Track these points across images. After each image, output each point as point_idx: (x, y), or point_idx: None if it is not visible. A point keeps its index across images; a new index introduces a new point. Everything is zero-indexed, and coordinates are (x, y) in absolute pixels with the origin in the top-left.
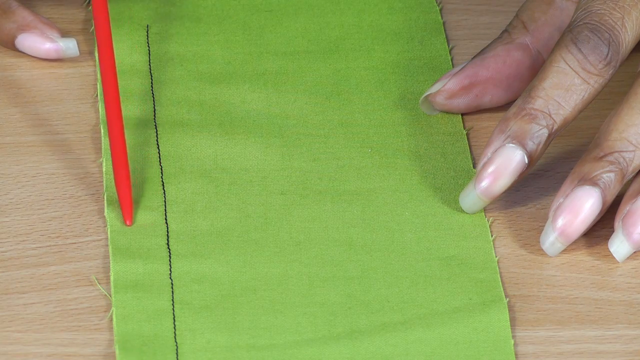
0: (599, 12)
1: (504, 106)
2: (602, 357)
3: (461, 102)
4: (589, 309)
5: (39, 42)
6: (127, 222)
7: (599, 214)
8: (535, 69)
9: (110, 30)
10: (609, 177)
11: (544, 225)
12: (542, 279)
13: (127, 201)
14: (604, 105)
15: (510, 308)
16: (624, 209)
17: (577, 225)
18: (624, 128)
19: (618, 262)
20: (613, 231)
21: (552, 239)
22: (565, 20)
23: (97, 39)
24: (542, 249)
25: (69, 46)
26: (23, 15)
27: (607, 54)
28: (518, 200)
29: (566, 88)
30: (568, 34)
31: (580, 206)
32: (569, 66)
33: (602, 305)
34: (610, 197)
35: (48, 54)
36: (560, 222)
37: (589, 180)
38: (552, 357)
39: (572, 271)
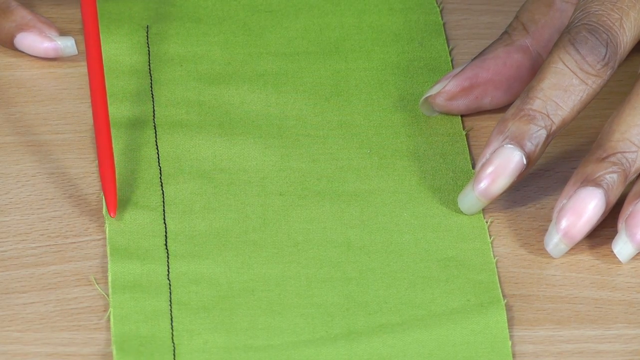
0: (597, 13)
1: (504, 107)
2: (601, 356)
3: (461, 104)
4: (588, 308)
5: (37, 41)
6: (112, 214)
7: (602, 214)
8: (535, 70)
9: (97, 23)
10: (612, 177)
11: (543, 225)
12: (541, 278)
13: (112, 193)
14: (603, 105)
15: (510, 308)
16: (627, 209)
17: (581, 227)
18: (626, 129)
19: (618, 262)
20: (614, 231)
21: (556, 241)
22: (565, 21)
23: (84, 30)
24: (542, 249)
25: (67, 45)
26: (22, 14)
27: (605, 55)
28: (518, 200)
29: (564, 89)
30: (566, 35)
31: (584, 207)
32: (567, 67)
33: (602, 305)
34: (614, 198)
35: (47, 53)
36: (564, 223)
37: (592, 181)
38: (551, 357)
39: (572, 271)
